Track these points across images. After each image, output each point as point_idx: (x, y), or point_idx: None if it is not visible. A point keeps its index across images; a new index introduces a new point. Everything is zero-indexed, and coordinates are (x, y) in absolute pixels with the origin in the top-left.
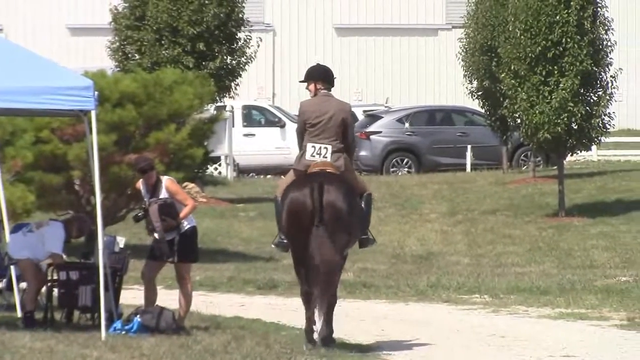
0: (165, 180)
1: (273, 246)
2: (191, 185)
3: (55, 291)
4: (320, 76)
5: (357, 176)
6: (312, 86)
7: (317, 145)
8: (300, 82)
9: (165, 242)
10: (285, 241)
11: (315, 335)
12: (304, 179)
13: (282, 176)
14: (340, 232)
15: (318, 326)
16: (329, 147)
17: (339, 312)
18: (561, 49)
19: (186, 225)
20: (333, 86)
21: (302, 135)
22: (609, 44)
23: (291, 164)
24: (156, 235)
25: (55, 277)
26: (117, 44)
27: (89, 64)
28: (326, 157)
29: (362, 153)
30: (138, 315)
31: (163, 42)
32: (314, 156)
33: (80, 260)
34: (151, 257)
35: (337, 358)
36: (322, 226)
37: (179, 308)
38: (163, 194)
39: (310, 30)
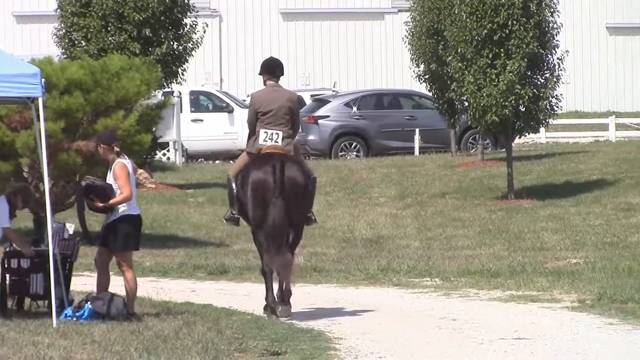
0: (117, 162)
1: (224, 220)
2: (140, 171)
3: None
4: (267, 69)
5: (304, 160)
6: (264, 78)
7: (269, 131)
8: (259, 74)
9: (82, 217)
10: (236, 216)
11: (278, 309)
12: (263, 159)
13: (231, 161)
14: (293, 205)
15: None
16: (280, 133)
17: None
18: (507, 31)
19: (120, 212)
20: (282, 74)
21: (253, 124)
22: (555, 26)
23: (240, 148)
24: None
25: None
26: (64, 31)
27: (36, 51)
28: (277, 142)
29: (311, 137)
30: (89, 302)
31: (109, 28)
32: (266, 141)
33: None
34: (102, 244)
35: (288, 342)
36: (280, 197)
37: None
38: (109, 175)
39: (256, 15)
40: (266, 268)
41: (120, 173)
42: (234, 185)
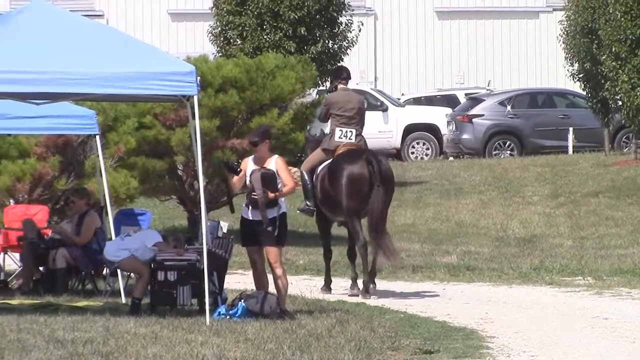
0: (277, 156)
1: (298, 211)
2: (294, 169)
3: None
4: (335, 74)
5: None
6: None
7: (344, 129)
8: (330, 81)
9: (265, 211)
10: (312, 208)
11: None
12: (352, 154)
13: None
14: (389, 192)
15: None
16: (354, 131)
17: (443, 294)
18: None
19: (283, 207)
20: (350, 78)
21: (322, 119)
22: None
23: (395, 147)
24: (257, 198)
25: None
26: (219, 29)
27: (191, 49)
28: (351, 139)
29: (465, 136)
30: (242, 300)
31: (265, 27)
32: (341, 138)
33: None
34: (256, 243)
35: (440, 341)
36: (382, 186)
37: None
38: (272, 166)
39: (411, 14)
40: (362, 250)
41: (285, 166)
42: (307, 178)
